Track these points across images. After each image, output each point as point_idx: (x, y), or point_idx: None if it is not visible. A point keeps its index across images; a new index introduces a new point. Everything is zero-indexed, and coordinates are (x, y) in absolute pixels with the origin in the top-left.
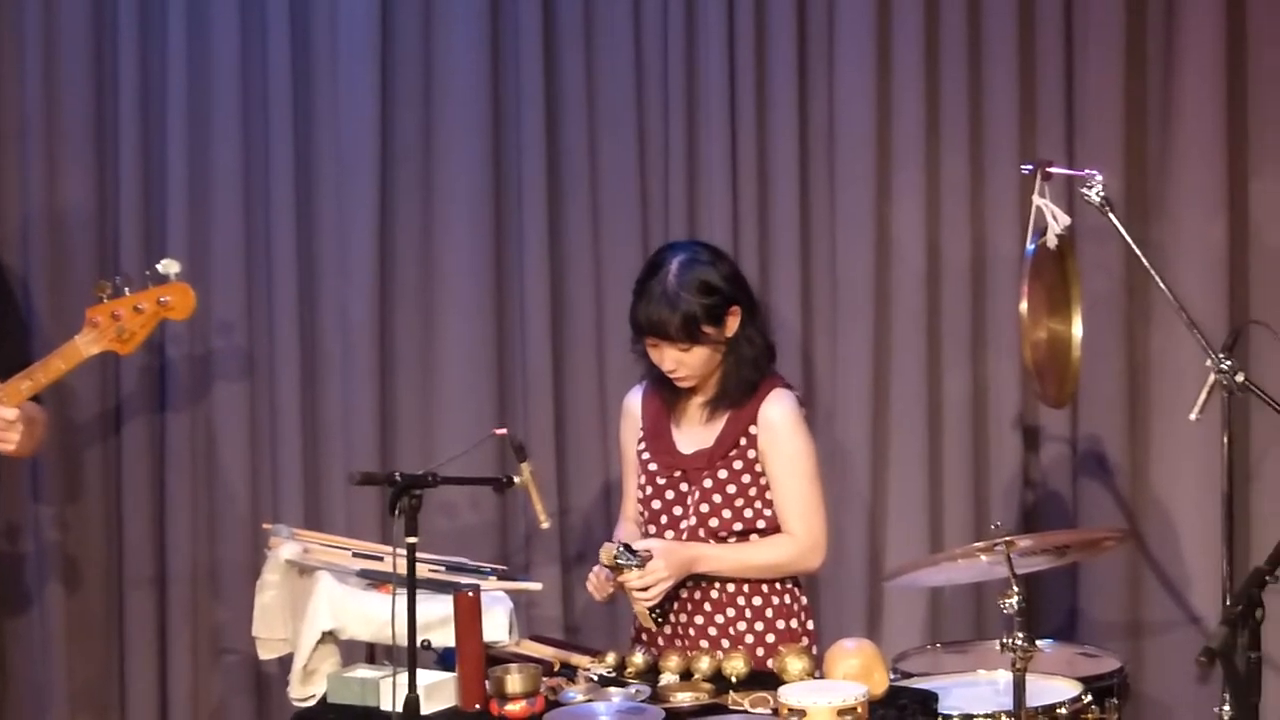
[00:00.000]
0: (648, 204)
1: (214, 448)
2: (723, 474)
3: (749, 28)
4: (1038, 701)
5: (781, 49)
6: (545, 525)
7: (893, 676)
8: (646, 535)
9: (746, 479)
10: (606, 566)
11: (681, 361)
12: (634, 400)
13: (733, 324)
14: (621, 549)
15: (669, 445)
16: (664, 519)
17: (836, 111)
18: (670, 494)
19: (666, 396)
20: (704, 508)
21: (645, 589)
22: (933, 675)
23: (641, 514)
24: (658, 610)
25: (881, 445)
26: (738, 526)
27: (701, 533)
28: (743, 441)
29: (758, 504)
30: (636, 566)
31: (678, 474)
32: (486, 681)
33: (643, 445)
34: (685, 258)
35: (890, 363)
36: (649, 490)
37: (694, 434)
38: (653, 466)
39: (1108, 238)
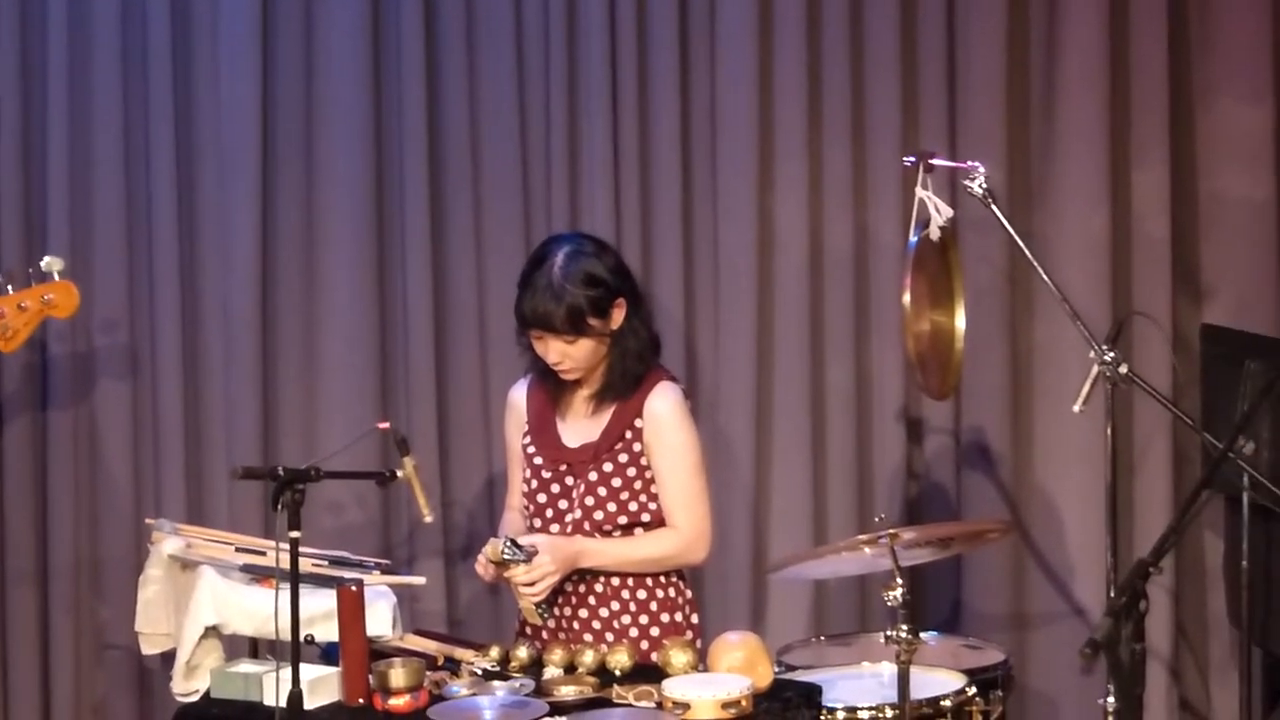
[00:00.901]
0: (529, 196)
1: (96, 443)
2: (608, 467)
3: (630, 19)
4: (922, 694)
5: (663, 39)
6: (428, 519)
7: (777, 669)
8: (532, 528)
9: (632, 472)
10: (492, 562)
11: (566, 354)
12: (518, 394)
13: (618, 316)
14: (508, 544)
15: (554, 439)
16: (549, 513)
17: (718, 102)
18: (555, 487)
19: (551, 390)
20: (589, 501)
21: (531, 584)
22: (817, 668)
23: (527, 508)
24: (543, 605)
25: (764, 437)
26: (623, 520)
27: (587, 526)
28: (628, 435)
29: (643, 498)
30: (522, 562)
31: (563, 468)
32: (370, 676)
33: (528, 439)
34: (570, 250)
35: (773, 354)
36: (534, 484)
37: (579, 427)
38: (538, 460)
39: (990, 229)
